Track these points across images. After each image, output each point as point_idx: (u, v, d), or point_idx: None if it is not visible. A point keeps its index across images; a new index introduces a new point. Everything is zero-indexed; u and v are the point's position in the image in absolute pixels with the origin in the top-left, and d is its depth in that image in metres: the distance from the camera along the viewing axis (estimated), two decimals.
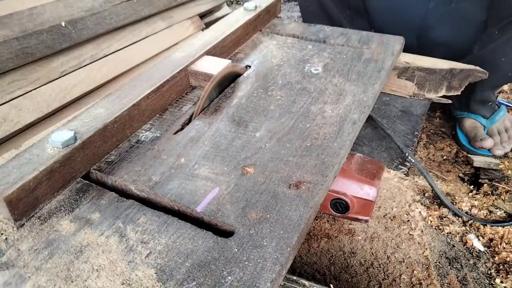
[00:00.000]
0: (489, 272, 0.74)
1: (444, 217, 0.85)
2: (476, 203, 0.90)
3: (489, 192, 0.94)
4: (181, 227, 0.45)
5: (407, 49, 0.92)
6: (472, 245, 0.79)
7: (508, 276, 0.73)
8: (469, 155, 1.07)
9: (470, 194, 0.95)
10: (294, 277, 0.56)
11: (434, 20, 1.10)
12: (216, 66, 0.69)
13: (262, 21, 0.92)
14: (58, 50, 0.83)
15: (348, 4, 1.19)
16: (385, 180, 0.86)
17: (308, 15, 1.24)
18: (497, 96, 1.16)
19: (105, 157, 0.56)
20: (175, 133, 0.61)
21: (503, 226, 0.83)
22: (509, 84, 1.38)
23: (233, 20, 0.85)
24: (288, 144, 0.57)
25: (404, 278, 0.71)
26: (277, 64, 0.78)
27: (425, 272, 0.72)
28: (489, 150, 1.07)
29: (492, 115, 1.11)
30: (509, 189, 0.96)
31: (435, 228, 0.82)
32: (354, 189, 0.62)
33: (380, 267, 0.73)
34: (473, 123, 1.11)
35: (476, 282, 0.72)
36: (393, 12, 1.15)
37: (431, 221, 0.83)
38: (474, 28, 1.07)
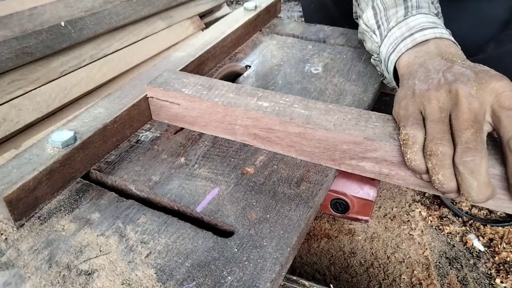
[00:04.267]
0: (489, 272, 0.74)
1: (444, 217, 0.85)
2: None
3: None
4: (181, 227, 0.45)
5: None
6: (472, 245, 0.79)
7: (508, 276, 0.73)
8: None
9: None
10: (294, 277, 0.56)
11: None
12: None
13: (262, 21, 0.92)
14: (58, 50, 0.83)
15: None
16: None
17: (309, 12, 1.24)
18: None
19: (105, 157, 0.56)
20: (175, 133, 0.61)
21: (503, 226, 0.83)
22: None
23: (233, 20, 0.85)
24: None
25: (404, 278, 0.71)
26: (277, 64, 0.78)
27: (425, 272, 0.72)
28: None
29: None
30: None
31: (435, 228, 0.82)
32: (354, 189, 0.62)
33: (380, 267, 0.73)
34: None
35: (476, 282, 0.72)
36: None
37: (431, 221, 0.83)
38: (491, 27, 0.92)
